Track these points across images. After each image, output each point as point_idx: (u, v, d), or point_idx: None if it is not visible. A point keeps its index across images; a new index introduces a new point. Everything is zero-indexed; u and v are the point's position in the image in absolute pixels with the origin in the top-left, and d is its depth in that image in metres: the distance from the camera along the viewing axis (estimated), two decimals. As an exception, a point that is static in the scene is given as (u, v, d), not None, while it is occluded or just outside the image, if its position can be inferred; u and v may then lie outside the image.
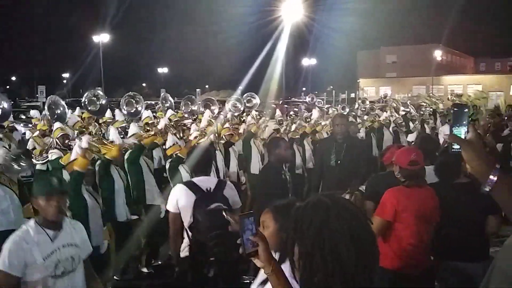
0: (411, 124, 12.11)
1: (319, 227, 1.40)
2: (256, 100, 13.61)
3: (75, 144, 5.16)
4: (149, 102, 24.39)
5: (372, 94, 55.27)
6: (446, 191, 3.63)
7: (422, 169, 3.62)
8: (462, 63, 75.65)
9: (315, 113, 11.02)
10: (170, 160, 6.22)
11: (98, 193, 4.98)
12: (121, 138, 6.47)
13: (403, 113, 14.00)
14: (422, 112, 15.01)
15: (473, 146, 1.48)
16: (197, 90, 32.84)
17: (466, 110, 1.55)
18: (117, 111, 9.77)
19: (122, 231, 5.26)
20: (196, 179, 3.83)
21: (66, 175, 4.71)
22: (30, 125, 10.58)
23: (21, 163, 4.88)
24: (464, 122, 1.53)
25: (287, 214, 1.65)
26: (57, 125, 7.02)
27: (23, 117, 17.96)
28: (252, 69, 30.32)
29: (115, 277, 5.42)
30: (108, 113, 10.03)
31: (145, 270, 6.02)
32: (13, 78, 79.71)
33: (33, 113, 10.07)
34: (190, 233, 3.59)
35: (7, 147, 6.13)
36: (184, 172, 5.72)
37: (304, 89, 60.79)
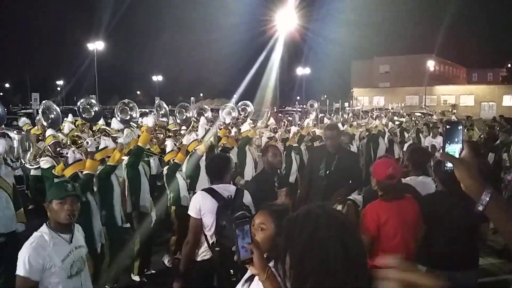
0: (405, 134, 12.19)
1: (309, 236, 1.41)
2: (250, 108, 13.66)
3: (67, 152, 5.18)
4: (143, 110, 24.35)
5: (366, 104, 55.56)
6: (443, 200, 3.61)
7: (400, 182, 3.61)
8: (454, 73, 76.30)
9: (311, 116, 11.06)
10: (167, 166, 6.22)
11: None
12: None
13: (398, 122, 14.10)
14: (417, 122, 15.09)
15: (465, 164, 1.47)
16: (192, 98, 32.90)
17: (460, 127, 1.53)
18: (113, 119, 9.73)
19: (116, 237, 5.25)
20: (215, 186, 3.83)
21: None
22: (22, 132, 10.51)
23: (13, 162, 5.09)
24: (457, 140, 1.51)
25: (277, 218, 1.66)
26: (49, 132, 7.01)
27: (16, 123, 17.85)
28: (246, 78, 30.44)
29: (106, 286, 5.38)
30: (101, 121, 10.01)
31: (137, 278, 5.98)
32: (7, 85, 79.41)
33: (23, 121, 10.05)
34: (212, 239, 3.62)
35: None
36: (181, 179, 5.72)
37: (298, 98, 60.97)
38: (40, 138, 8.11)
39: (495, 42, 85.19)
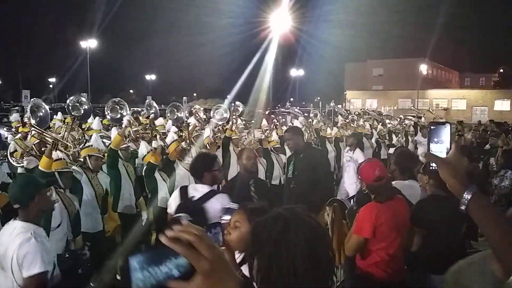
0: (394, 137, 12.20)
1: (276, 240, 1.40)
2: (242, 108, 13.65)
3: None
4: (135, 108, 24.30)
5: (359, 106, 55.75)
6: (440, 204, 3.60)
7: (388, 182, 3.64)
8: (447, 77, 76.81)
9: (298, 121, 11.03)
10: (145, 168, 6.14)
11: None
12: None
13: (389, 125, 14.13)
14: (405, 125, 15.13)
15: (448, 164, 1.49)
16: (184, 98, 32.83)
17: (447, 127, 1.54)
18: (96, 119, 9.67)
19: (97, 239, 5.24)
20: (191, 186, 3.88)
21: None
22: (12, 129, 10.45)
23: None
24: (444, 140, 1.52)
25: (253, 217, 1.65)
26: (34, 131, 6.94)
27: (6, 120, 17.74)
28: (240, 79, 30.42)
29: (91, 283, 5.35)
30: (91, 119, 9.95)
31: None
32: (-2, 82, 78.93)
33: (14, 116, 9.96)
34: None
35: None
36: (160, 179, 5.69)
37: (291, 99, 61.09)
38: (27, 136, 8.05)
39: (488, 47, 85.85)
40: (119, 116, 9.98)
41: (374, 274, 3.45)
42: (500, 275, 1.41)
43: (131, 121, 7.56)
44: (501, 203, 6.49)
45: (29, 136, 6.94)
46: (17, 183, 3.21)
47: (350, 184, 8.07)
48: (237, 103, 13.94)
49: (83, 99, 10.35)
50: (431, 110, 20.01)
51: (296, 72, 58.15)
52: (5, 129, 14.39)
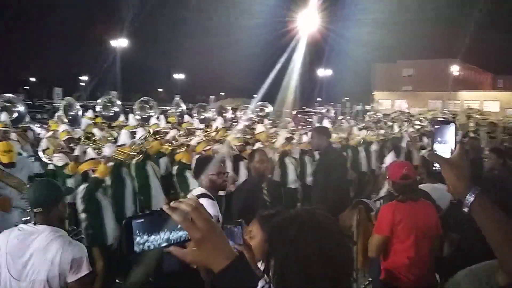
0: (425, 139, 11.99)
1: (292, 240, 1.40)
2: (269, 109, 13.69)
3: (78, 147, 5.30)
4: (163, 107, 24.62)
5: (387, 107, 54.98)
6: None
7: (414, 183, 3.60)
8: (479, 78, 74.93)
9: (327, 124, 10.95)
10: (176, 166, 6.25)
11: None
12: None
13: (418, 127, 13.91)
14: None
15: (451, 165, 1.46)
16: (211, 97, 32.99)
17: (451, 127, 1.51)
18: (130, 115, 9.88)
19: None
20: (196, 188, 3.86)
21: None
22: (45, 126, 10.75)
23: None
24: (448, 140, 1.50)
25: (264, 222, 1.65)
26: (63, 127, 7.11)
27: (39, 117, 18.21)
28: (267, 78, 30.37)
29: (117, 280, 5.46)
30: (121, 117, 10.14)
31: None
32: (32, 79, 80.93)
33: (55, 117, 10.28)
34: None
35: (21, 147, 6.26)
36: (191, 177, 5.76)
37: (319, 99, 60.70)
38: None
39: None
40: (147, 115, 10.18)
41: (396, 278, 3.42)
42: (504, 285, 1.38)
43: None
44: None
45: (59, 132, 7.13)
46: (43, 186, 3.06)
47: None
48: (265, 103, 13.98)
49: (115, 99, 10.61)
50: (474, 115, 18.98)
51: (323, 72, 57.72)
52: (37, 125, 14.78)
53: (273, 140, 8.72)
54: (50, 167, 7.00)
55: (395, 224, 3.41)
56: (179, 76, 70.72)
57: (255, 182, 4.43)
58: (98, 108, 9.96)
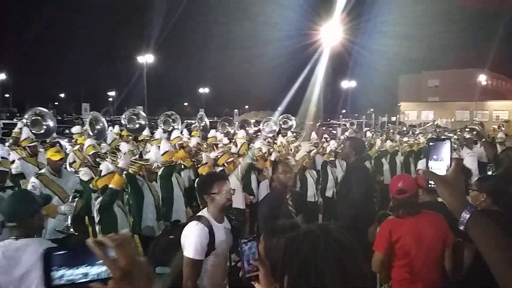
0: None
1: (306, 256, 1.40)
2: (292, 122, 13.70)
3: (103, 163, 5.41)
4: (189, 121, 24.89)
5: (413, 118, 54.26)
6: (492, 219, 3.46)
7: (412, 197, 3.50)
8: (508, 88, 73.30)
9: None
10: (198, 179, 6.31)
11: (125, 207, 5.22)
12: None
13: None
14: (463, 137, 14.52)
15: (447, 183, 1.46)
16: (235, 110, 33.21)
17: (447, 143, 1.51)
18: (159, 129, 9.98)
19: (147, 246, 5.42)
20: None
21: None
22: (72, 140, 10.99)
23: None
24: (444, 157, 1.49)
25: (273, 236, 1.67)
26: (88, 142, 7.22)
27: (68, 132, 18.60)
28: (291, 91, 30.46)
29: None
30: (146, 131, 10.29)
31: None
32: (62, 95, 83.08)
33: (75, 129, 10.46)
34: None
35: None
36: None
37: (344, 111, 60.38)
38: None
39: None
40: (171, 128, 10.32)
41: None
42: None
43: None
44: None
45: (85, 146, 7.28)
46: (18, 199, 2.99)
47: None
48: (288, 115, 14.00)
49: (140, 112, 10.79)
50: (499, 128, 18.42)
51: (348, 84, 57.48)
52: (66, 140, 15.11)
53: (293, 152, 8.72)
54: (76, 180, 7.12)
55: (392, 243, 3.35)
56: (204, 90, 71.53)
57: (279, 193, 4.46)
58: (123, 121, 10.11)
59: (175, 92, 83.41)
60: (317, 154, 8.77)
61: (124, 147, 7.69)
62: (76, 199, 5.03)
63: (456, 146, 12.28)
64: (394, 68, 65.24)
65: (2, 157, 5.66)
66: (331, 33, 27.60)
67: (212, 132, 10.24)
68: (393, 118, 44.48)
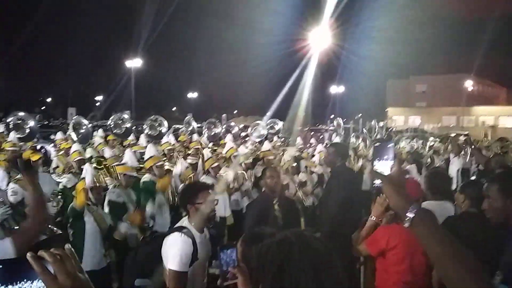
0: (435, 159, 11.78)
1: (280, 264, 1.37)
2: (279, 126, 13.72)
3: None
4: (177, 126, 24.81)
5: (401, 123, 54.64)
6: (469, 221, 3.47)
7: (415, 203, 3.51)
8: (494, 93, 74.16)
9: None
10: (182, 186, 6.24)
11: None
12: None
13: (432, 143, 13.76)
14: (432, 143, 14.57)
15: (392, 181, 1.48)
16: (224, 115, 33.13)
17: (390, 145, 1.56)
18: (142, 135, 9.88)
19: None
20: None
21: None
22: (56, 146, 10.91)
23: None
24: (387, 157, 1.53)
25: (251, 242, 1.64)
26: (74, 147, 7.19)
27: (54, 137, 18.42)
28: (280, 96, 30.50)
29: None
30: (131, 136, 10.22)
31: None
32: (49, 100, 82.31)
33: (58, 135, 10.39)
34: None
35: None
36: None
37: (332, 116, 60.61)
38: (69, 152, 8.37)
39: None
40: (157, 133, 10.27)
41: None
42: None
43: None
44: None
45: (71, 152, 7.22)
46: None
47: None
48: (275, 120, 14.02)
49: (126, 116, 10.72)
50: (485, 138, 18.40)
51: (336, 89, 57.76)
52: (52, 145, 14.97)
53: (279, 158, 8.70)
54: (60, 186, 7.06)
55: (387, 249, 3.34)
56: (192, 95, 71.36)
57: (267, 198, 4.49)
58: (109, 126, 10.04)
59: (163, 97, 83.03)
60: (302, 159, 8.75)
61: (107, 152, 7.60)
62: (58, 198, 4.97)
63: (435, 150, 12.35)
64: (382, 73, 65.71)
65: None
66: (319, 38, 27.73)
67: (195, 137, 10.16)
68: (381, 124, 44.77)
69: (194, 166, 7.05)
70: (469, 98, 56.28)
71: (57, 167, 7.48)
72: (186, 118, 12.93)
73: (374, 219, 3.46)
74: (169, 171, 6.65)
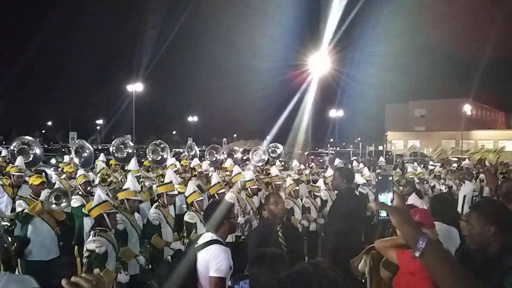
0: (436, 185, 11.74)
1: None
2: (280, 151, 13.74)
3: (96, 191, 5.36)
4: (177, 150, 24.86)
5: (400, 147, 54.78)
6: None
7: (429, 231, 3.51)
8: (493, 117, 74.64)
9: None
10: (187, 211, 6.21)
11: None
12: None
13: (432, 167, 13.77)
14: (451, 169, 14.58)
15: (400, 212, 1.51)
16: (224, 139, 33.27)
17: (390, 178, 1.60)
18: (132, 160, 9.66)
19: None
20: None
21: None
22: (59, 169, 10.91)
23: (61, 202, 5.70)
24: (388, 190, 1.57)
25: (259, 264, 1.64)
26: (80, 171, 7.27)
27: (55, 161, 18.43)
28: (280, 120, 30.65)
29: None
30: (132, 161, 10.21)
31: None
32: (49, 123, 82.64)
33: (65, 158, 10.41)
34: None
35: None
36: (200, 223, 5.73)
37: (331, 140, 60.78)
38: (72, 176, 8.37)
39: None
40: (159, 158, 10.29)
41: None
42: None
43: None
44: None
45: (77, 175, 7.30)
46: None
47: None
48: (276, 144, 14.06)
49: (129, 141, 10.76)
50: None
51: (335, 113, 58.09)
52: (52, 169, 14.96)
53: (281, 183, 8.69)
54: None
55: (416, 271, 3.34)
56: (192, 119, 71.64)
57: (270, 223, 4.46)
58: (111, 151, 10.05)
59: (163, 121, 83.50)
60: (302, 183, 8.75)
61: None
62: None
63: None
64: (381, 98, 66.22)
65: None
66: (319, 64, 28.01)
67: (196, 160, 10.16)
68: (380, 147, 44.89)
69: (200, 188, 7.07)
70: (468, 122, 56.55)
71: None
72: (188, 143, 12.95)
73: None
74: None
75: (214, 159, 11.72)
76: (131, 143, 10.56)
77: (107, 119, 64.51)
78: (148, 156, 10.53)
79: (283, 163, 13.56)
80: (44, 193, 5.68)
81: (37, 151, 8.90)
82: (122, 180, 8.33)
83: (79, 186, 6.91)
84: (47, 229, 5.61)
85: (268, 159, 13.11)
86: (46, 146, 29.25)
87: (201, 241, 3.62)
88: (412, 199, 7.87)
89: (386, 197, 1.55)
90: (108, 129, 61.32)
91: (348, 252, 4.56)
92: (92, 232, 4.80)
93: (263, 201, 7.33)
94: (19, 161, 7.77)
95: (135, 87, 41.65)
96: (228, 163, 9.46)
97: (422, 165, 15.31)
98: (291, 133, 29.36)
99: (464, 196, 9.41)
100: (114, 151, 10.00)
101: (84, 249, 4.65)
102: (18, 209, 5.66)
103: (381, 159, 14.45)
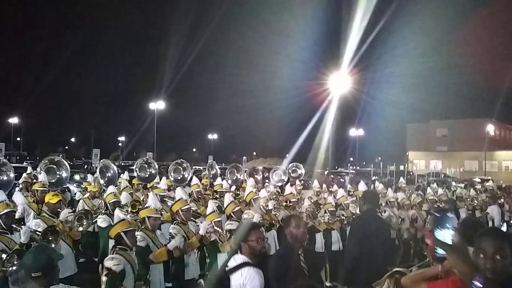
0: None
1: None
2: (301, 171, 13.73)
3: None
4: (197, 167, 25.02)
5: (422, 168, 54.01)
6: None
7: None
8: (516, 138, 73.16)
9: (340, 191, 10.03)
10: None
11: None
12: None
13: (455, 189, 13.55)
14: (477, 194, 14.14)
15: (458, 250, 1.51)
16: (244, 157, 33.32)
17: (451, 215, 1.58)
18: (163, 179, 9.86)
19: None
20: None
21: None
22: (82, 186, 11.07)
23: (83, 223, 5.81)
24: (448, 226, 1.56)
25: None
26: (110, 189, 7.29)
27: (77, 178, 18.73)
28: (300, 139, 30.62)
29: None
30: (156, 179, 10.32)
31: None
32: (72, 139, 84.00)
33: (89, 177, 10.51)
34: None
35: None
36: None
37: (351, 159, 60.34)
38: (96, 195, 8.47)
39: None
40: (181, 177, 10.39)
41: None
42: None
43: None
44: None
45: (105, 194, 7.36)
46: (41, 251, 3.30)
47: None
48: (297, 164, 14.05)
49: (152, 161, 10.89)
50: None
51: (356, 132, 57.74)
52: (75, 185, 15.17)
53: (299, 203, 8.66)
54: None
55: None
56: (212, 136, 72.12)
57: (292, 247, 4.36)
58: (135, 170, 10.18)
59: (184, 138, 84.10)
60: (320, 205, 8.64)
61: (125, 197, 7.48)
62: None
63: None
64: (402, 117, 65.67)
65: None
66: (339, 83, 27.95)
67: (218, 180, 10.21)
68: (401, 167, 44.32)
69: (219, 209, 7.11)
70: (491, 143, 55.56)
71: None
72: (209, 162, 13.04)
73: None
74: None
75: (234, 177, 11.77)
76: (155, 163, 10.68)
77: (129, 136, 65.40)
78: (169, 175, 10.64)
79: (302, 181, 13.50)
80: (65, 213, 5.72)
81: (64, 174, 9.06)
82: (144, 200, 8.40)
83: (108, 204, 6.94)
84: (64, 247, 5.64)
85: (289, 178, 13.11)
86: (69, 162, 29.72)
87: (231, 263, 3.63)
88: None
89: (444, 234, 1.53)
90: (130, 146, 62.15)
91: (367, 275, 4.50)
92: (111, 251, 4.86)
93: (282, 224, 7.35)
94: (43, 177, 7.90)
95: (157, 105, 42.25)
96: (250, 182, 9.47)
97: (444, 186, 15.10)
98: (311, 151, 29.27)
99: (493, 220, 9.23)
100: (137, 170, 10.12)
101: (103, 267, 4.70)
102: (36, 228, 5.59)
103: (401, 179, 14.20)
